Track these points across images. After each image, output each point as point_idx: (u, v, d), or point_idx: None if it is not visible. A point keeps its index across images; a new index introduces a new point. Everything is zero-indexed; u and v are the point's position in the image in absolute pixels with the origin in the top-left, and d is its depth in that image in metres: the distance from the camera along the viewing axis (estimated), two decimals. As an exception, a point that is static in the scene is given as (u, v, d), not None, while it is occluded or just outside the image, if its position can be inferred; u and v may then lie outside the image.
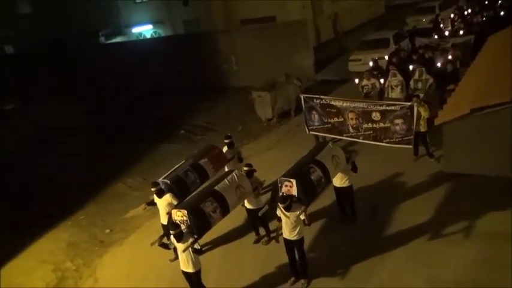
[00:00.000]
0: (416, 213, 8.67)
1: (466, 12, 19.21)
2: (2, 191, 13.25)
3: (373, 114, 9.73)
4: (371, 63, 14.24)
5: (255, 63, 18.98)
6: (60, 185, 13.04)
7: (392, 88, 12.00)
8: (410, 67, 12.54)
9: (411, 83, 11.80)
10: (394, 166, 10.38)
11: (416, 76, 11.78)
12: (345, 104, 10.20)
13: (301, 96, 11.31)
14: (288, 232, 7.35)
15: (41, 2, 29.00)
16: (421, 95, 10.60)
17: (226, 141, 10.17)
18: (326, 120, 10.72)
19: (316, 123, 10.99)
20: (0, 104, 21.95)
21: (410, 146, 9.77)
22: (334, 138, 10.79)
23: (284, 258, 7.62)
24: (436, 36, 16.71)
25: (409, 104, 9.40)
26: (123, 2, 27.54)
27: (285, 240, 7.47)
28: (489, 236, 7.60)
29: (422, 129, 9.94)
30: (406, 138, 9.48)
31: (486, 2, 20.27)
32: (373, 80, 12.36)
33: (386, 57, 15.01)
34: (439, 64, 12.66)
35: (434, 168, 9.90)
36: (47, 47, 25.60)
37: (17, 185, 13.50)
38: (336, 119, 10.46)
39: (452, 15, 19.13)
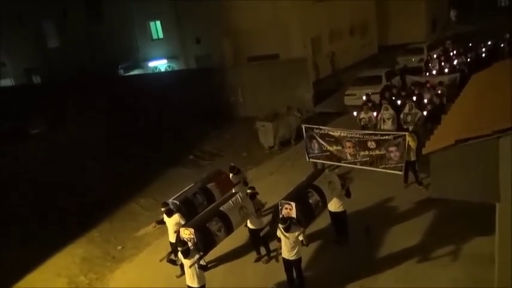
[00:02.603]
0: (406, 236, 8.59)
1: (451, 54, 19.44)
2: (24, 209, 13.24)
3: (369, 143, 9.79)
4: (364, 98, 14.36)
5: (259, 95, 19.16)
6: (77, 204, 13.01)
7: (384, 121, 12.07)
8: (400, 102, 12.64)
9: (401, 116, 11.89)
10: (386, 192, 10.34)
11: (406, 110, 11.87)
12: (342, 134, 10.26)
13: (303, 126, 11.37)
14: (287, 252, 7.28)
15: (67, 38, 29.76)
16: (411, 127, 10.66)
17: (231, 172, 10.15)
18: (325, 149, 10.75)
19: (316, 151, 11.02)
20: (27, 128, 22.20)
21: (401, 173, 9.76)
22: (332, 165, 10.79)
23: (283, 277, 7.54)
24: (427, 74, 16.84)
25: (402, 133, 9.47)
26: (141, 39, 28.13)
27: (284, 259, 7.41)
28: (475, 258, 7.51)
29: (412, 158, 9.95)
30: (400, 165, 9.49)
31: (470, 45, 20.53)
32: (370, 113, 12.46)
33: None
34: (426, 99, 12.76)
35: (423, 194, 9.87)
36: (71, 78, 26.05)
37: (38, 204, 13.46)
38: (334, 147, 10.50)
39: (435, 56, 19.39)
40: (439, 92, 13.15)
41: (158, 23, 27.56)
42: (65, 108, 23.04)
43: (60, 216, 12.34)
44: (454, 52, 19.49)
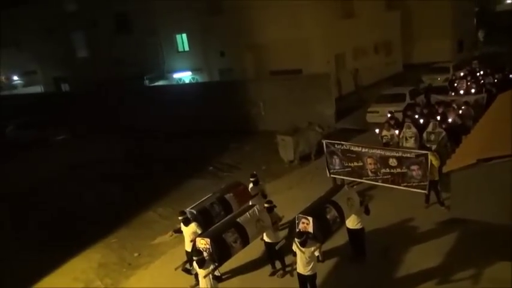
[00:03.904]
0: (425, 257, 8.42)
1: (478, 74, 19.19)
2: (45, 213, 13.56)
3: (390, 160, 9.71)
4: (388, 115, 14.22)
5: (280, 110, 19.25)
6: (97, 210, 13.26)
7: (406, 139, 11.96)
8: (423, 121, 12.51)
9: (424, 135, 11.75)
10: (406, 211, 10.18)
11: (429, 129, 11.74)
12: (363, 150, 10.22)
13: (324, 142, 11.36)
14: (302, 267, 7.24)
15: (96, 48, 30.74)
16: (433, 147, 10.53)
17: (251, 179, 10.25)
18: (346, 165, 10.69)
19: (337, 167, 10.97)
20: (53, 135, 22.85)
21: (426, 191, 9.62)
22: (352, 181, 10.69)
23: (297, 292, 7.47)
24: (453, 94, 16.62)
25: (424, 152, 9.36)
26: (167, 51, 28.79)
27: (299, 274, 7.37)
28: (495, 282, 7.30)
29: (434, 177, 9.79)
30: (423, 183, 9.36)
31: (497, 65, 20.25)
32: (392, 131, 12.36)
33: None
34: (450, 119, 12.60)
35: (445, 215, 9.65)
36: (99, 87, 26.78)
37: (61, 209, 13.75)
38: (355, 164, 10.43)
39: (461, 75, 19.17)
40: (463, 112, 12.97)
41: (184, 35, 28.15)
42: (88, 118, 23.67)
43: (80, 222, 12.59)
44: (481, 72, 19.24)
